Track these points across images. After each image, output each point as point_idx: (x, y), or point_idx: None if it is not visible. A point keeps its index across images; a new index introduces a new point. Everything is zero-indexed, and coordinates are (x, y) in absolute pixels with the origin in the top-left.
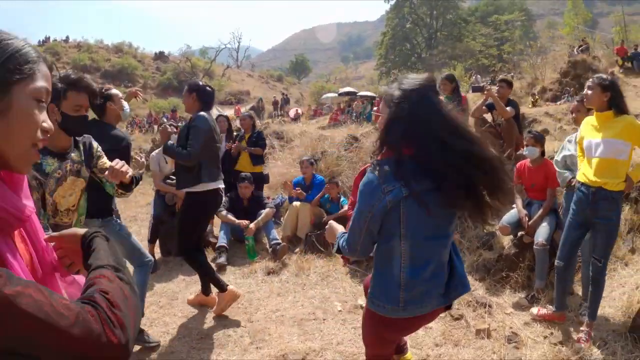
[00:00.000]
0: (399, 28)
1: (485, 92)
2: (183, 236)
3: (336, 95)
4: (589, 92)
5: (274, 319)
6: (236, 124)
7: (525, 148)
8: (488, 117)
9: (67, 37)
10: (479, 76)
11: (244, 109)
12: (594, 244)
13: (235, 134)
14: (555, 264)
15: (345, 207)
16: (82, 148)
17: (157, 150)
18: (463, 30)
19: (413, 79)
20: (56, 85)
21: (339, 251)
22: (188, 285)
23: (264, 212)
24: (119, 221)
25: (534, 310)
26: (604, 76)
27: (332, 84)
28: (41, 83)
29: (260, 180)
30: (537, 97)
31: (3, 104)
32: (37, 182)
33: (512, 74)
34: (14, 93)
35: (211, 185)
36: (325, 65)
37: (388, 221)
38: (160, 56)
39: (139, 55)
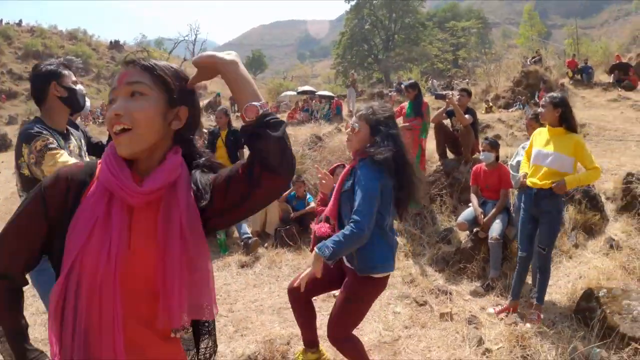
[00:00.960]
0: (357, 29)
1: (447, 100)
2: None
3: (295, 93)
4: (543, 110)
5: (254, 309)
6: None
7: (481, 153)
8: (447, 122)
9: (20, 21)
10: (435, 81)
11: (201, 104)
12: (539, 235)
13: (205, 130)
14: (518, 254)
15: (312, 204)
16: (75, 135)
17: None
18: (420, 34)
19: (386, 108)
20: (52, 66)
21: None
22: None
23: None
24: None
25: (491, 310)
26: (555, 94)
27: (290, 81)
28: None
29: None
30: (490, 103)
31: None
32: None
33: (467, 80)
34: None
35: None
36: (282, 62)
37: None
38: (115, 45)
39: (94, 43)
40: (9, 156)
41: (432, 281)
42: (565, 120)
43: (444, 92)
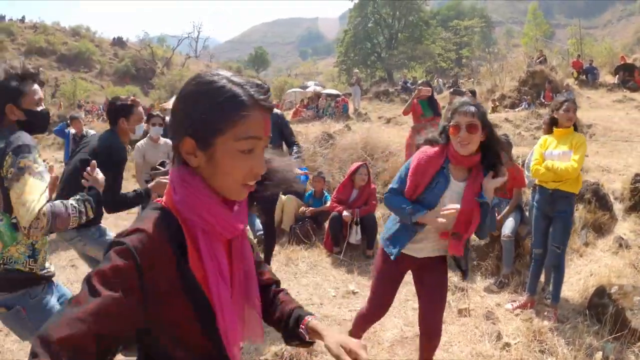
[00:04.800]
0: (360, 27)
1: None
2: None
3: (302, 90)
4: (571, 113)
5: None
6: None
7: None
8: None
9: (24, 17)
10: (441, 80)
11: None
12: (553, 234)
13: None
14: (533, 251)
15: (328, 203)
16: None
17: (142, 141)
18: (424, 32)
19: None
20: (9, 83)
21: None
22: None
23: None
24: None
25: (509, 305)
26: (572, 96)
27: (294, 78)
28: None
29: None
30: (496, 103)
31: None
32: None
33: (471, 79)
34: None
35: None
36: (284, 60)
37: None
38: (118, 42)
39: (97, 39)
40: None
41: (449, 277)
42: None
43: (463, 91)
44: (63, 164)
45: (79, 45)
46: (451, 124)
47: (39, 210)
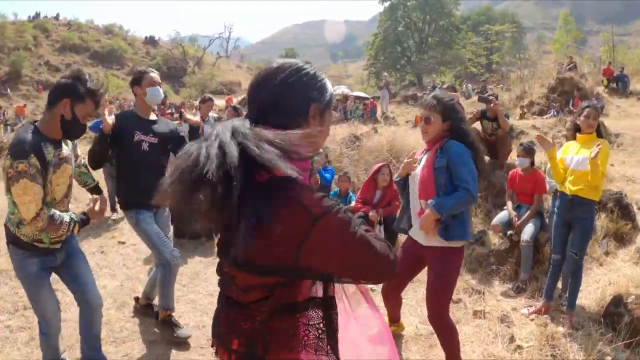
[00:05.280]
0: (390, 30)
1: (493, 105)
2: None
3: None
4: (592, 120)
5: None
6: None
7: (517, 159)
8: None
9: (58, 15)
10: (469, 85)
11: (235, 99)
12: (572, 241)
13: None
14: (552, 257)
15: (353, 203)
16: (68, 142)
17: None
18: (454, 37)
19: (448, 95)
20: (78, 85)
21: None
22: (207, 266)
23: None
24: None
25: (525, 310)
26: (595, 102)
27: None
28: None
29: None
30: (525, 109)
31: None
32: (40, 172)
33: (501, 85)
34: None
35: None
36: (314, 62)
37: None
38: (150, 40)
39: (129, 38)
40: None
41: (465, 280)
42: (598, 126)
43: (489, 97)
44: None
45: (112, 43)
46: (418, 114)
47: (37, 213)
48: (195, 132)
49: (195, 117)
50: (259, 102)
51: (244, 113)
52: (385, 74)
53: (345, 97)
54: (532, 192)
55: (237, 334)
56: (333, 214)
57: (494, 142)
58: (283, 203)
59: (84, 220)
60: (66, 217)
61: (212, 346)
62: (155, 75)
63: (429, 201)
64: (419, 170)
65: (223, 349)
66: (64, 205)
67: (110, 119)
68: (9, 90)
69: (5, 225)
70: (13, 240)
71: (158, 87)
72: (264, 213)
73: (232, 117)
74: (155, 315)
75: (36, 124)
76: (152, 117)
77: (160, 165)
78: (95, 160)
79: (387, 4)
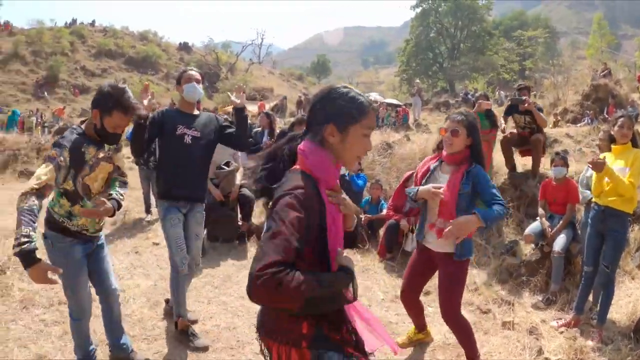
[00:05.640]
0: (422, 36)
1: (527, 105)
2: None
3: None
4: (626, 129)
5: None
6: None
7: (553, 168)
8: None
9: (94, 21)
10: (502, 92)
11: (267, 105)
12: (604, 253)
13: (254, 131)
14: (584, 269)
15: (384, 211)
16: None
17: None
18: (486, 43)
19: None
20: (108, 98)
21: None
22: (239, 269)
23: None
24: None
25: (554, 323)
26: (631, 111)
27: (356, 86)
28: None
29: None
30: (558, 117)
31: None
32: (67, 168)
33: (534, 92)
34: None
35: None
36: (345, 68)
37: None
38: (184, 47)
39: (163, 44)
40: None
41: (495, 291)
42: (634, 135)
43: (523, 97)
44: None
45: (147, 49)
46: (442, 127)
47: (28, 192)
48: (240, 112)
49: (239, 100)
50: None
51: (276, 119)
52: (418, 80)
53: (377, 105)
54: (565, 202)
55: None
56: (288, 196)
57: (528, 141)
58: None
59: (27, 255)
60: (32, 232)
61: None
62: (192, 72)
63: (475, 210)
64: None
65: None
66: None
67: (147, 101)
68: (46, 93)
69: (47, 218)
70: (59, 229)
71: (194, 83)
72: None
73: (265, 123)
74: (175, 324)
75: (83, 125)
76: (195, 112)
77: (202, 158)
78: (134, 149)
79: (418, 9)
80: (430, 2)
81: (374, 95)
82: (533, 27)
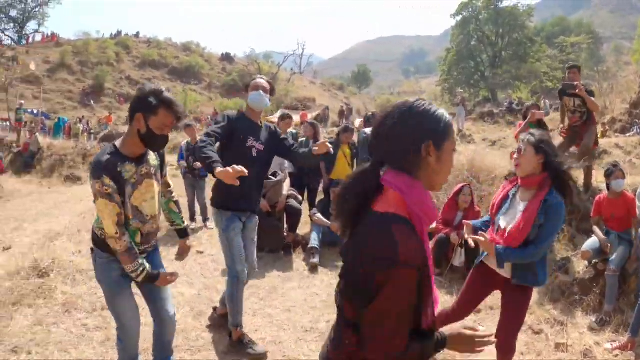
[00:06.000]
0: (463, 45)
1: (578, 91)
2: None
3: None
4: None
5: None
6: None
7: (614, 180)
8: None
9: (138, 33)
10: (547, 101)
11: (310, 115)
12: None
13: (300, 141)
14: None
15: (434, 225)
16: (152, 156)
17: None
18: (528, 50)
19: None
20: (149, 98)
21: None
22: (284, 281)
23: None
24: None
25: (608, 345)
26: None
27: (397, 96)
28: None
29: None
30: (606, 127)
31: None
32: (117, 192)
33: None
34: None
35: None
36: (385, 78)
37: None
38: (226, 57)
39: (206, 55)
40: None
41: (547, 310)
42: None
43: (574, 83)
44: (179, 167)
45: (190, 60)
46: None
47: (117, 233)
48: (314, 159)
49: (326, 146)
50: (380, 142)
51: (320, 129)
52: (461, 90)
53: None
54: (624, 217)
55: None
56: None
57: (578, 135)
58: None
59: (152, 277)
60: (140, 259)
61: None
62: (261, 80)
63: (497, 246)
64: (510, 214)
65: None
66: (156, 223)
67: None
68: (92, 102)
69: (92, 230)
70: (99, 244)
71: (261, 91)
72: None
73: (310, 133)
74: (229, 334)
75: (116, 143)
76: (259, 123)
77: (264, 171)
78: (209, 163)
79: (459, 17)
80: (470, 10)
81: None
82: (575, 33)
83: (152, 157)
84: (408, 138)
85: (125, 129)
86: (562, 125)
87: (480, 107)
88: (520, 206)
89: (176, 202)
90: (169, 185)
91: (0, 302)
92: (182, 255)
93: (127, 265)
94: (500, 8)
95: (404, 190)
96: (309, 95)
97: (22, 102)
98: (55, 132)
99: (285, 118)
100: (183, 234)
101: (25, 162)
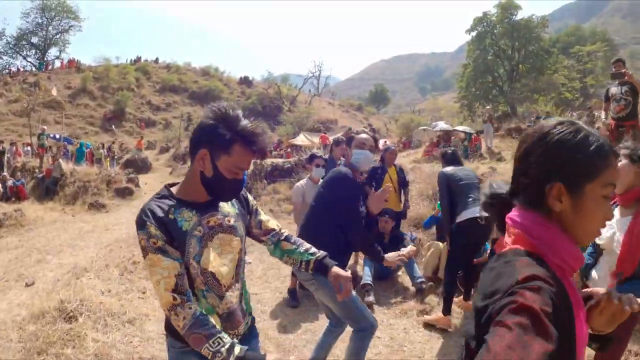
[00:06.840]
0: (480, 60)
1: (627, 78)
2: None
3: (432, 129)
4: None
5: None
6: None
7: None
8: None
9: (157, 58)
10: (574, 113)
11: (330, 137)
12: None
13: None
14: None
15: (488, 252)
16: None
17: (302, 181)
18: (545, 62)
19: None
20: (218, 129)
21: None
22: None
23: (408, 247)
24: None
25: None
26: None
27: (420, 116)
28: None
29: (400, 215)
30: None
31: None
32: (170, 242)
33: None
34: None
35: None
36: (403, 96)
37: None
38: (244, 81)
39: (225, 79)
40: (149, 178)
41: None
42: None
43: (622, 71)
44: None
45: (209, 84)
46: None
47: (174, 301)
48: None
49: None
50: (517, 174)
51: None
52: (488, 107)
53: (447, 133)
54: None
55: None
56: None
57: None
58: None
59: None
60: (226, 337)
61: None
62: (363, 136)
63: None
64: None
65: None
66: (234, 292)
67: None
68: (113, 126)
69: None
70: (171, 330)
71: (366, 151)
72: None
73: (339, 154)
74: None
75: (172, 187)
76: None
77: None
78: (365, 242)
79: (474, 33)
80: (485, 24)
81: (441, 125)
82: (591, 42)
83: (228, 205)
84: (536, 172)
85: (148, 153)
86: (606, 121)
87: (507, 123)
88: (622, 223)
89: (287, 238)
90: (271, 230)
91: (25, 350)
92: (348, 291)
93: (202, 349)
94: (514, 21)
95: (529, 230)
96: (330, 117)
97: (45, 127)
98: (78, 157)
99: (340, 143)
100: (323, 265)
101: (48, 188)
